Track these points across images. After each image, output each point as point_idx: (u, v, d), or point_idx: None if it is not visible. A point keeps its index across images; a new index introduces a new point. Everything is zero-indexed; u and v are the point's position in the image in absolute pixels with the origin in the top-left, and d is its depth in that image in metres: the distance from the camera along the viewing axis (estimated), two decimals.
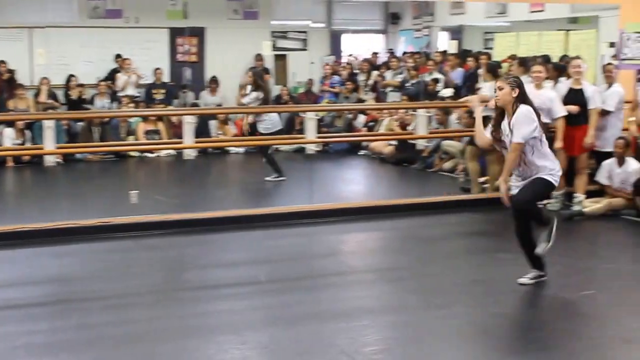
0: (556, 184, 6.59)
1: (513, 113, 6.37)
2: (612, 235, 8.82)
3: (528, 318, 6.12)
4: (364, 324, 5.85)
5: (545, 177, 6.44)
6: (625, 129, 9.84)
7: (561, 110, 9.08)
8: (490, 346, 5.48)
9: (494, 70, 10.38)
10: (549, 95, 9.22)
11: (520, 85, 6.43)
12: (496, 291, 6.64)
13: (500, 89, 6.46)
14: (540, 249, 6.59)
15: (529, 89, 9.18)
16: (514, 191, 6.56)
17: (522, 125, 6.32)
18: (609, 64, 10.09)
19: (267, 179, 11.50)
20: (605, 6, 11.07)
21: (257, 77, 11.39)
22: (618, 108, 9.69)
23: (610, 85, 9.74)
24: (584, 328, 5.85)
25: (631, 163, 9.35)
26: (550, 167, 6.46)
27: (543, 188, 6.55)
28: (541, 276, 6.77)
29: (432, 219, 9.51)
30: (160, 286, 6.88)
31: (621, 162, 9.41)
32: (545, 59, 10.56)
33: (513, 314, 6.14)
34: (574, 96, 9.24)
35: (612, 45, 10.92)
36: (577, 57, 9.80)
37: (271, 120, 11.33)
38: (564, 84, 9.52)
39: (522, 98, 6.41)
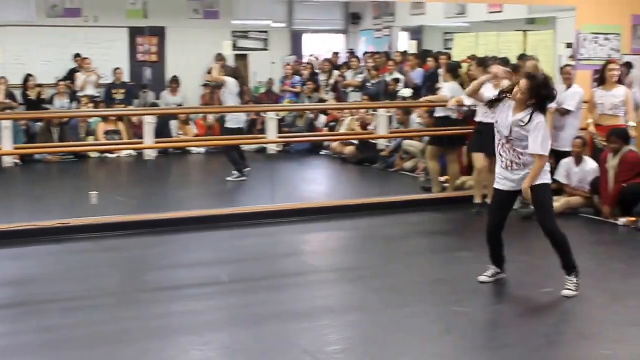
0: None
1: (525, 111, 6.41)
2: (570, 234, 8.88)
3: (489, 316, 6.15)
4: (326, 324, 5.87)
5: (540, 182, 6.48)
6: (583, 129, 9.97)
7: None
8: (451, 344, 5.50)
9: (453, 70, 10.47)
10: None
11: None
12: (457, 290, 6.69)
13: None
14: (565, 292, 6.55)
15: (488, 88, 9.30)
16: (501, 183, 6.67)
17: (540, 136, 6.34)
18: (567, 65, 10.22)
19: (229, 179, 11.50)
20: (562, 7, 11.18)
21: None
22: (578, 108, 9.83)
23: (569, 86, 9.86)
24: (544, 325, 5.89)
25: (589, 162, 9.48)
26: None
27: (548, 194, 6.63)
28: (499, 273, 6.85)
29: (393, 219, 9.56)
30: (121, 288, 6.84)
31: (579, 161, 9.55)
32: (504, 61, 10.64)
33: (474, 312, 6.13)
34: None
35: (569, 46, 11.04)
36: (532, 58, 9.94)
37: (236, 117, 11.41)
38: None
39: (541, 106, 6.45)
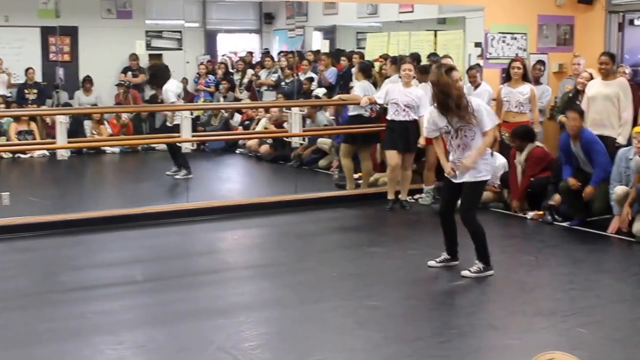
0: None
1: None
2: None
3: (401, 309, 6.22)
4: (241, 320, 5.90)
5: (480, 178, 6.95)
6: None
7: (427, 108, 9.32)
8: (364, 337, 5.58)
9: (365, 69, 10.61)
10: (417, 93, 9.51)
11: None
12: (369, 284, 6.80)
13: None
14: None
15: (399, 87, 9.48)
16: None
17: (484, 113, 6.86)
18: (471, 68, 10.44)
19: (168, 173, 11.46)
20: (471, 7, 11.41)
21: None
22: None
23: (477, 86, 10.09)
24: (455, 317, 6.04)
25: (498, 158, 9.73)
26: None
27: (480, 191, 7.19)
28: (449, 260, 7.15)
29: (307, 216, 9.64)
30: (34, 289, 6.75)
31: None
32: (414, 57, 10.87)
33: (386, 305, 6.22)
34: None
35: (477, 45, 11.29)
36: (447, 56, 10.17)
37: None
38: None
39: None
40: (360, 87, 10.35)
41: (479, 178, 6.91)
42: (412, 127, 9.50)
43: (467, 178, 6.87)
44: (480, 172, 6.89)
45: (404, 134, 9.52)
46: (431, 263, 7.16)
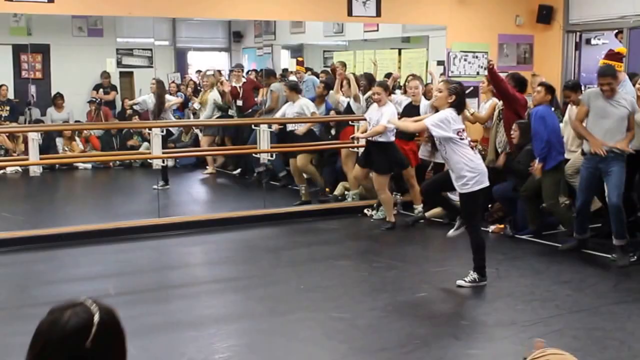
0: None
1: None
2: (440, 241, 9.36)
3: (367, 321, 6.30)
4: (212, 332, 5.98)
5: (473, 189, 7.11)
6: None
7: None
8: (331, 348, 5.70)
9: (296, 87, 11.09)
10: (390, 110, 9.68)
11: (458, 93, 7.05)
12: (336, 296, 6.92)
13: (440, 91, 7.09)
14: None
15: (373, 107, 9.61)
16: None
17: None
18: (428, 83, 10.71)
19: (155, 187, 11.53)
20: (434, 27, 11.63)
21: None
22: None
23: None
24: (418, 327, 6.12)
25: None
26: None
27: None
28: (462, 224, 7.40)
29: (276, 230, 9.77)
30: (7, 303, 6.81)
31: None
32: (367, 77, 11.17)
33: (353, 317, 6.31)
34: (410, 111, 9.71)
35: (440, 63, 11.54)
36: (415, 77, 10.37)
37: None
38: (404, 100, 10.09)
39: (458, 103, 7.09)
40: (298, 106, 10.73)
41: (464, 190, 7.07)
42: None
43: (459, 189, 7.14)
44: (466, 184, 7.04)
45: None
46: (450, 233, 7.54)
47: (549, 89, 9.06)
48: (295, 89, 11.17)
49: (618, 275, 7.77)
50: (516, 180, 9.30)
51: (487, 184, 7.18)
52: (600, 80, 7.96)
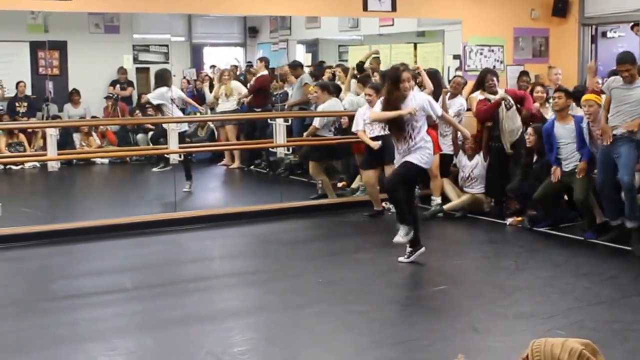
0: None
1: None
2: (461, 233, 9.35)
3: (385, 314, 6.29)
4: (229, 326, 5.97)
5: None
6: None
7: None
8: (350, 341, 5.67)
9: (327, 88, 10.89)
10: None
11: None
12: (355, 290, 6.88)
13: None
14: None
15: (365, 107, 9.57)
16: None
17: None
18: (457, 76, 10.64)
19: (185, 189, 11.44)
20: (449, 21, 11.61)
21: None
22: (457, 114, 10.16)
23: (455, 95, 10.29)
24: (437, 320, 6.12)
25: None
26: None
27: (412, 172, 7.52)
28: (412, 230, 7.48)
29: (293, 224, 9.77)
30: (26, 297, 6.82)
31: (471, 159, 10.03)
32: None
33: (371, 310, 6.29)
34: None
35: (456, 57, 11.50)
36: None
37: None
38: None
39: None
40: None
41: (419, 163, 7.37)
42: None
43: (410, 158, 7.30)
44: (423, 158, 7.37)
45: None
46: (397, 239, 7.60)
47: (569, 94, 9.05)
48: (327, 88, 10.96)
49: (638, 267, 7.72)
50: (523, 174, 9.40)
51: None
52: (619, 67, 8.07)
